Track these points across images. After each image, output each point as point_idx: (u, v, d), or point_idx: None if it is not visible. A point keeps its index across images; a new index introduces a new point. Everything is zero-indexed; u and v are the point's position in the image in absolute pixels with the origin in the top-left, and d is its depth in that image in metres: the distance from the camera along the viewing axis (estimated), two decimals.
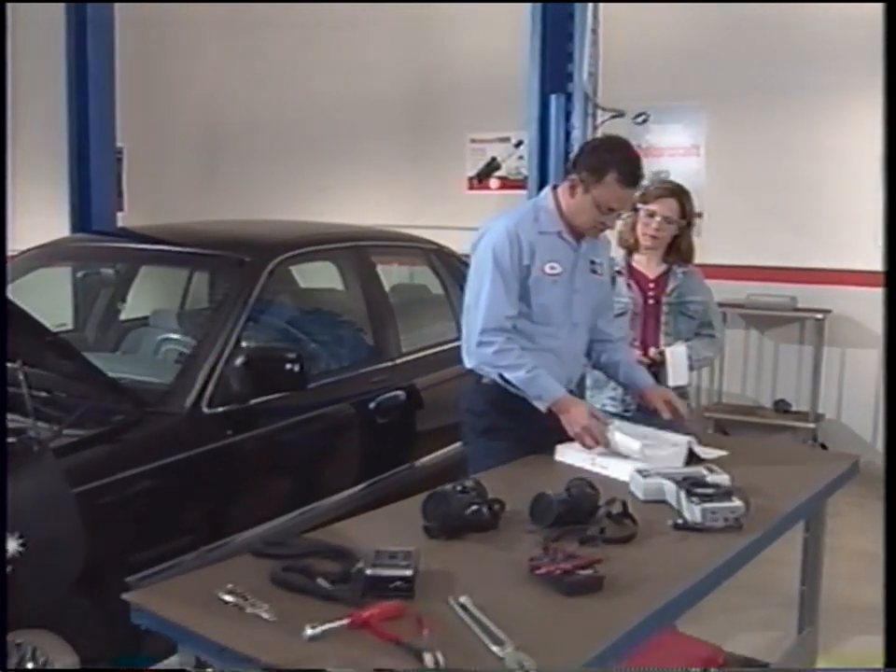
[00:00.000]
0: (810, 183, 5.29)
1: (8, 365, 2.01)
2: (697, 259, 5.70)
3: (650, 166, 5.60)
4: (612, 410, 2.96)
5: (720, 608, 2.47)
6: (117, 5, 4.28)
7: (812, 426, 5.29)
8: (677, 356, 2.94)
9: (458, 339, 2.63)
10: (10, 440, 1.89)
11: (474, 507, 1.91)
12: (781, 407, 5.40)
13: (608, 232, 2.66)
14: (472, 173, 6.21)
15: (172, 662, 1.75)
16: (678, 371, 2.95)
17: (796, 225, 5.29)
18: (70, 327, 3.82)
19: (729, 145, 5.46)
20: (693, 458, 2.39)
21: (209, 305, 3.22)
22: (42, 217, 4.51)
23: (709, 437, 2.96)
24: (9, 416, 1.92)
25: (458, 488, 1.96)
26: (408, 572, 1.60)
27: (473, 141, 6.18)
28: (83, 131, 4.09)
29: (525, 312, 2.48)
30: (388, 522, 1.99)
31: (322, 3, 6.01)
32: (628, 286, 3.00)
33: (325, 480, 3.07)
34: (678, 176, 5.55)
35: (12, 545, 1.82)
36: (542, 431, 2.48)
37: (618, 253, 3.04)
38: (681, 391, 3.02)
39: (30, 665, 2.13)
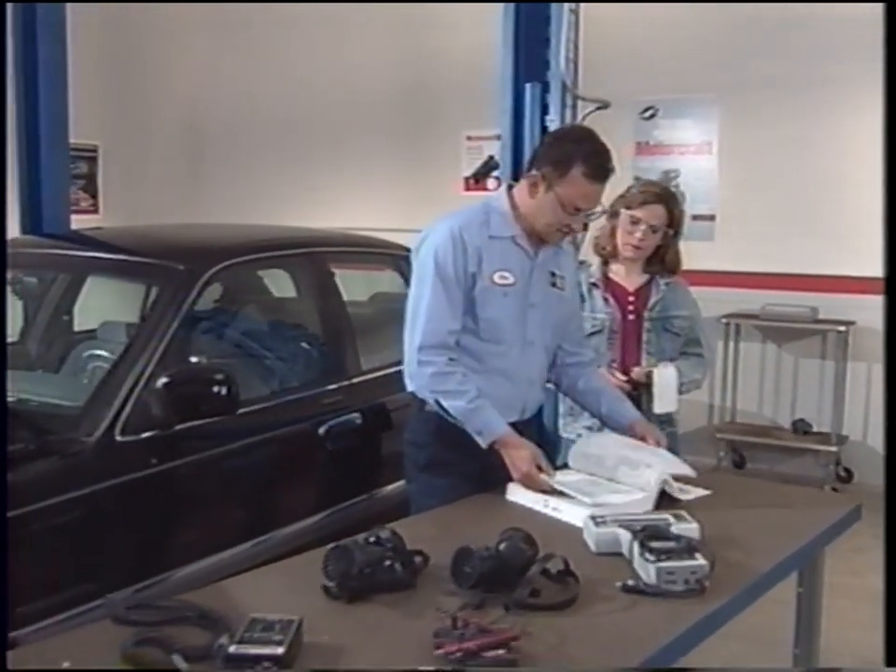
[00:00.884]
0: (832, 182, 5.02)
1: None
2: (709, 266, 5.46)
3: (658, 165, 5.51)
4: None
5: (712, 659, 2.21)
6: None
7: (834, 449, 5.01)
8: (665, 378, 2.71)
9: None
10: None
11: (387, 562, 1.70)
12: (801, 428, 5.15)
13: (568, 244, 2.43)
14: (469, 173, 5.99)
15: None
16: (665, 396, 2.72)
17: (817, 228, 5.03)
18: (16, 339, 3.68)
19: (744, 141, 5.23)
20: (665, 499, 2.16)
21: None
22: None
23: (706, 471, 2.68)
24: None
25: (370, 539, 1.75)
26: (279, 650, 1.38)
27: (469, 138, 5.97)
28: (33, 129, 3.92)
29: (471, 327, 2.26)
30: (287, 578, 1.77)
31: (308, 3, 5.85)
32: (605, 300, 2.77)
33: (270, 512, 2.89)
34: (688, 175, 5.49)
35: None
36: (494, 466, 2.25)
37: (592, 259, 2.81)
38: (668, 418, 2.80)
39: None
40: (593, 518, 1.96)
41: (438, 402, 2.25)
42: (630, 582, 1.72)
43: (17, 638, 2.05)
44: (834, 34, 4.87)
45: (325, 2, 5.88)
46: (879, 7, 1.71)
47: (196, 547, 2.65)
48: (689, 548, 1.78)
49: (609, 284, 2.80)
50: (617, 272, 2.82)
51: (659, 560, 1.73)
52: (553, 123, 3.04)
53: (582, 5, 3.00)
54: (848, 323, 4.96)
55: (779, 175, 5.12)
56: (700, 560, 1.73)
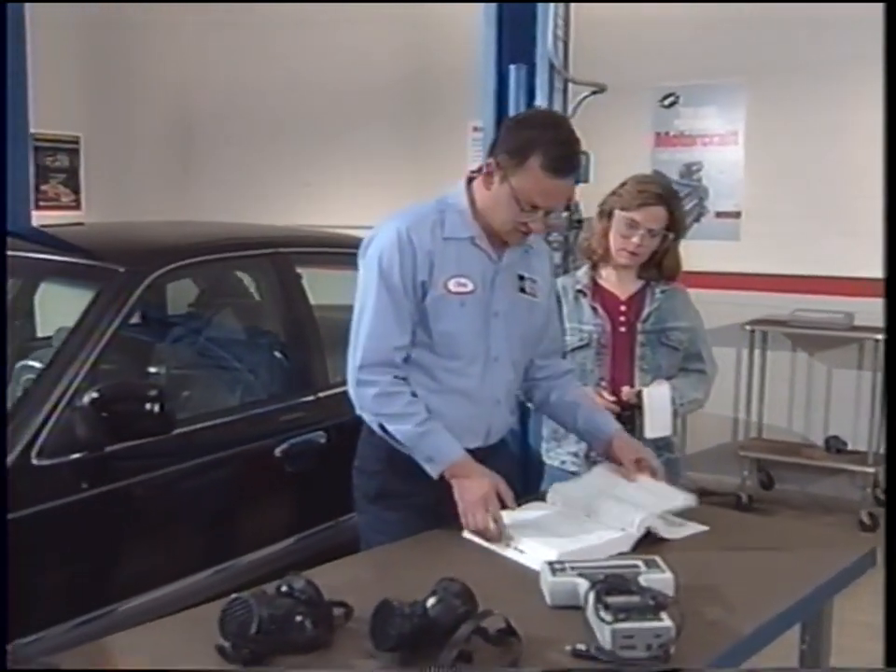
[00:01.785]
0: (871, 175, 4.74)
1: None
2: (734, 268, 5.25)
3: (679, 158, 5.32)
4: (574, 469, 2.56)
5: None
6: None
7: (872, 469, 4.77)
8: (657, 398, 2.52)
9: None
10: None
11: (297, 617, 1.53)
12: (834, 445, 4.93)
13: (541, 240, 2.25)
14: (475, 166, 5.80)
15: None
16: (658, 419, 2.53)
17: (854, 226, 4.76)
18: None
19: (773, 130, 5.03)
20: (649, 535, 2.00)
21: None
22: None
23: (707, 505, 2.46)
24: None
25: (282, 588, 1.58)
26: None
27: (476, 129, 5.78)
28: None
29: (424, 341, 2.10)
30: (185, 632, 1.61)
31: None
32: (593, 309, 2.58)
33: (224, 540, 2.79)
34: (711, 168, 5.30)
35: None
36: (451, 499, 2.07)
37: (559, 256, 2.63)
38: (665, 443, 2.62)
39: None
40: (550, 564, 1.78)
41: (383, 427, 2.09)
42: (581, 647, 1.54)
43: None
44: (877, 7, 4.63)
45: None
46: None
47: (144, 577, 2.56)
48: (655, 605, 1.58)
49: (597, 291, 2.61)
50: (608, 277, 2.63)
51: (617, 620, 1.54)
52: None
53: None
54: None
55: (812, 168, 4.91)
56: (665, 622, 1.54)
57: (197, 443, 2.62)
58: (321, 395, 3.00)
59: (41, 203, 5.53)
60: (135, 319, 3.54)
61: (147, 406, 2.33)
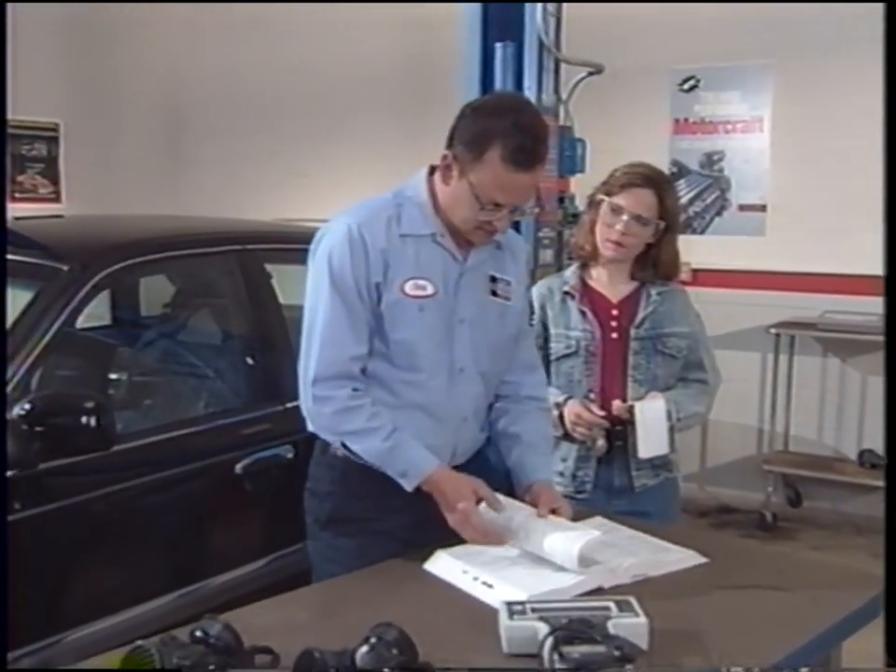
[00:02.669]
0: None
1: None
2: (758, 266, 5.11)
3: (699, 146, 5.21)
4: (560, 491, 2.41)
5: None
6: None
7: None
8: (650, 413, 2.41)
9: None
10: None
11: (210, 667, 1.42)
12: (868, 460, 4.81)
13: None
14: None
15: None
16: (652, 436, 2.42)
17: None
18: None
19: (802, 116, 4.95)
20: None
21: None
22: None
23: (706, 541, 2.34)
24: None
25: (195, 633, 1.48)
26: None
27: None
28: None
29: (381, 350, 1.99)
30: None
31: None
32: (581, 313, 2.46)
33: (183, 563, 2.74)
34: (735, 158, 5.19)
35: None
36: (417, 524, 1.97)
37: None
38: (662, 462, 2.50)
39: None
40: (509, 605, 1.65)
41: (345, 446, 1.98)
42: None
43: None
44: None
45: None
46: None
47: (95, 603, 2.52)
48: (621, 656, 1.46)
49: (587, 293, 2.49)
50: (598, 278, 2.51)
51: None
52: (529, 92, 2.73)
53: None
54: None
55: (845, 157, 4.78)
56: None
57: (140, 460, 2.55)
58: (289, 405, 2.90)
59: (17, 195, 5.48)
60: (106, 321, 3.52)
61: (84, 419, 2.25)
